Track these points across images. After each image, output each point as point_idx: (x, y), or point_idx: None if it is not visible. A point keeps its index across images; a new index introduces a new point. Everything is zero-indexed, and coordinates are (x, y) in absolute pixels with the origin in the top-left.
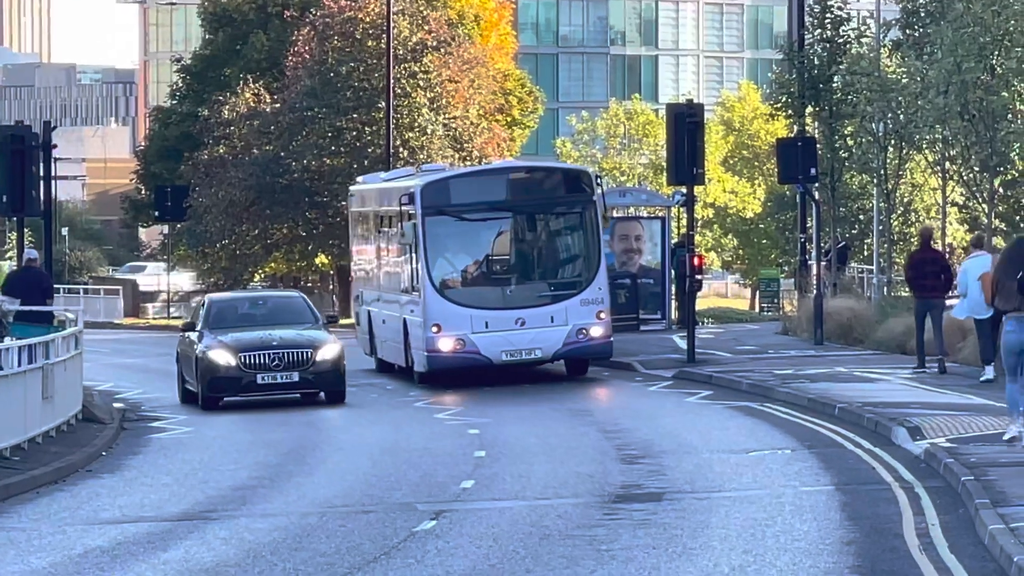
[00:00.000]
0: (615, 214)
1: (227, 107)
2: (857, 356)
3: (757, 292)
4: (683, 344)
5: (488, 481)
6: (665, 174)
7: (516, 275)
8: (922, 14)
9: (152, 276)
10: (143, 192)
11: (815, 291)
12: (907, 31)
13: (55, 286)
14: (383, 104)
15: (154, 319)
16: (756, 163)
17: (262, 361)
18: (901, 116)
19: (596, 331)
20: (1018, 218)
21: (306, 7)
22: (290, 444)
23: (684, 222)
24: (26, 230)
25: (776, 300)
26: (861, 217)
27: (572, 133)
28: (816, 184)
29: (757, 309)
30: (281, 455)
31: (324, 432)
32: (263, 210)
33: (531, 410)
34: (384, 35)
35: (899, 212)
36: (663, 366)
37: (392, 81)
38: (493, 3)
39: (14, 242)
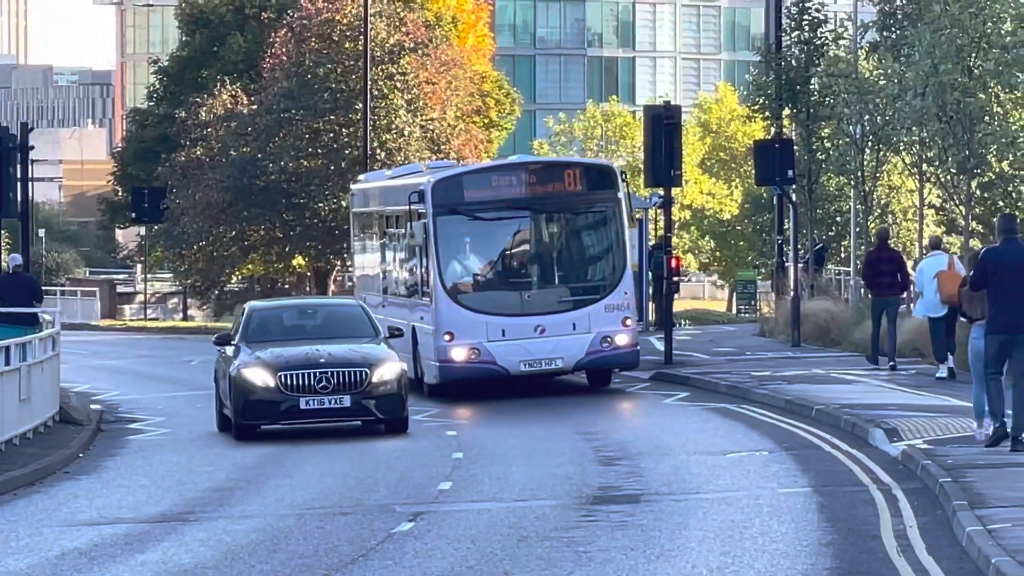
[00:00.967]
0: None
1: (204, 109)
2: (834, 358)
3: (734, 294)
4: (660, 346)
5: (466, 483)
6: (642, 176)
7: (535, 279)
8: (899, 16)
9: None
10: (120, 194)
11: (792, 293)
12: (884, 33)
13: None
14: (360, 106)
15: (131, 321)
16: (733, 165)
17: (306, 382)
18: (878, 118)
19: (622, 339)
20: (995, 220)
21: (283, 9)
22: (268, 446)
23: (661, 224)
24: (3, 232)
25: (753, 302)
26: (838, 219)
27: (549, 135)
28: (793, 186)
29: (734, 311)
30: (259, 457)
31: (302, 434)
32: (240, 212)
33: (508, 411)
34: (361, 37)
35: (876, 214)
36: (641, 368)
37: (369, 83)
38: (470, 5)
39: None
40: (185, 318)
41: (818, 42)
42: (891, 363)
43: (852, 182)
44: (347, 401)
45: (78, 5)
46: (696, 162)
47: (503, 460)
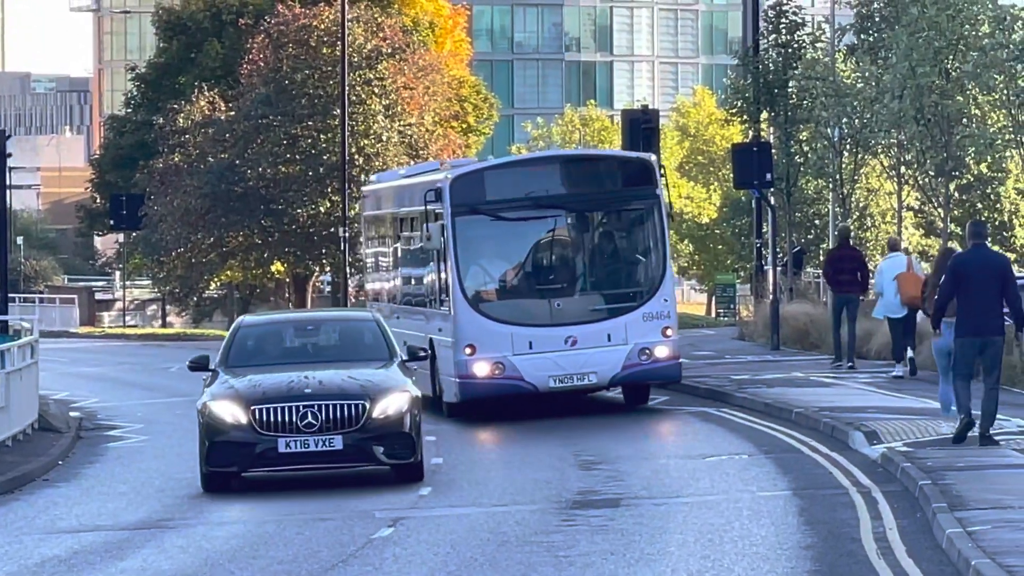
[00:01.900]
0: None
1: (182, 115)
2: (813, 361)
3: (713, 297)
4: None
5: (445, 488)
6: None
7: (565, 285)
8: (877, 19)
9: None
10: (98, 201)
11: (771, 296)
12: (862, 36)
13: (9, 295)
14: (338, 111)
15: (110, 328)
16: (711, 168)
17: (287, 418)
18: (856, 121)
19: (661, 351)
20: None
21: (260, 15)
22: None
23: None
24: None
25: (732, 305)
26: (817, 222)
27: (528, 139)
28: (772, 189)
29: (714, 314)
30: None
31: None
32: (218, 218)
33: (486, 417)
34: (339, 42)
35: (855, 217)
36: None
37: (347, 88)
38: (448, 10)
39: None
40: (164, 325)
41: (796, 45)
42: (849, 363)
43: (830, 185)
44: (338, 442)
45: (55, 12)
46: (674, 166)
47: (482, 465)
